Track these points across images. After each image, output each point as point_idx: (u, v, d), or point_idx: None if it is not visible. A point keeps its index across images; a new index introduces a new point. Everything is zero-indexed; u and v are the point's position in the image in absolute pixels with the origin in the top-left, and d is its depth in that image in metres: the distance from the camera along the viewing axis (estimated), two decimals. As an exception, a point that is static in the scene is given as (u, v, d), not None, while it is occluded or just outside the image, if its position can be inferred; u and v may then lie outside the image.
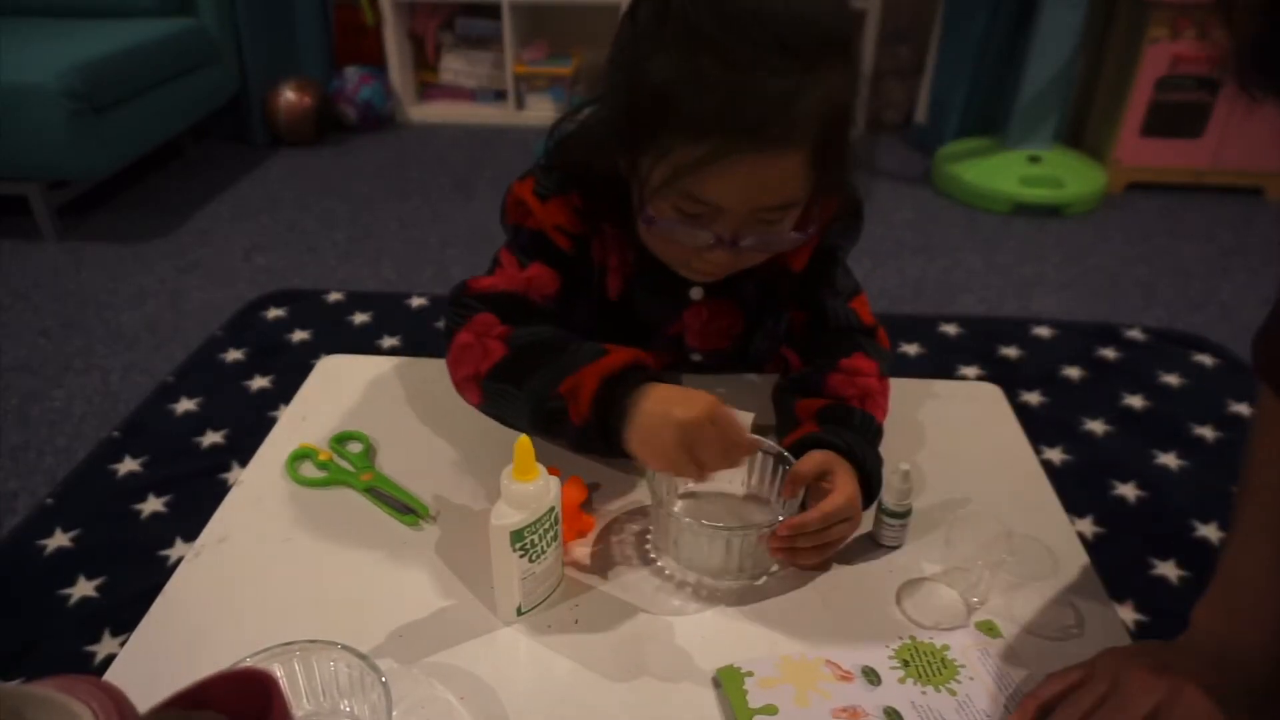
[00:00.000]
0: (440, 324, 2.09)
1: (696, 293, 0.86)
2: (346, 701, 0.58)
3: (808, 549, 0.69)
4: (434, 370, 0.94)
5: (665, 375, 0.71)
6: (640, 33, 0.69)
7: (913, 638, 0.65)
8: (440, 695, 0.60)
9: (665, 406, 0.65)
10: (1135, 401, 1.85)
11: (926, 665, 0.62)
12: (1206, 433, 1.76)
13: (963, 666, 0.62)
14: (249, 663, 0.54)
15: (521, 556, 0.62)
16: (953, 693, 0.60)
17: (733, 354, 0.93)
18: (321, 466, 0.81)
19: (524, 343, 0.74)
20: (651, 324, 0.88)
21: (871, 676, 0.61)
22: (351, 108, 3.32)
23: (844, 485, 0.70)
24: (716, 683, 0.61)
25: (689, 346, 0.91)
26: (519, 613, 0.66)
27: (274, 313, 2.13)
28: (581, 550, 0.72)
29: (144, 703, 0.39)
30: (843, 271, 0.89)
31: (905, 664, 0.62)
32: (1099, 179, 2.82)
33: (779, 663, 0.62)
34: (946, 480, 0.80)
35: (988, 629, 0.66)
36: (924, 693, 0.60)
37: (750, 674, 0.60)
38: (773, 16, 0.63)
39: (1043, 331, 2.11)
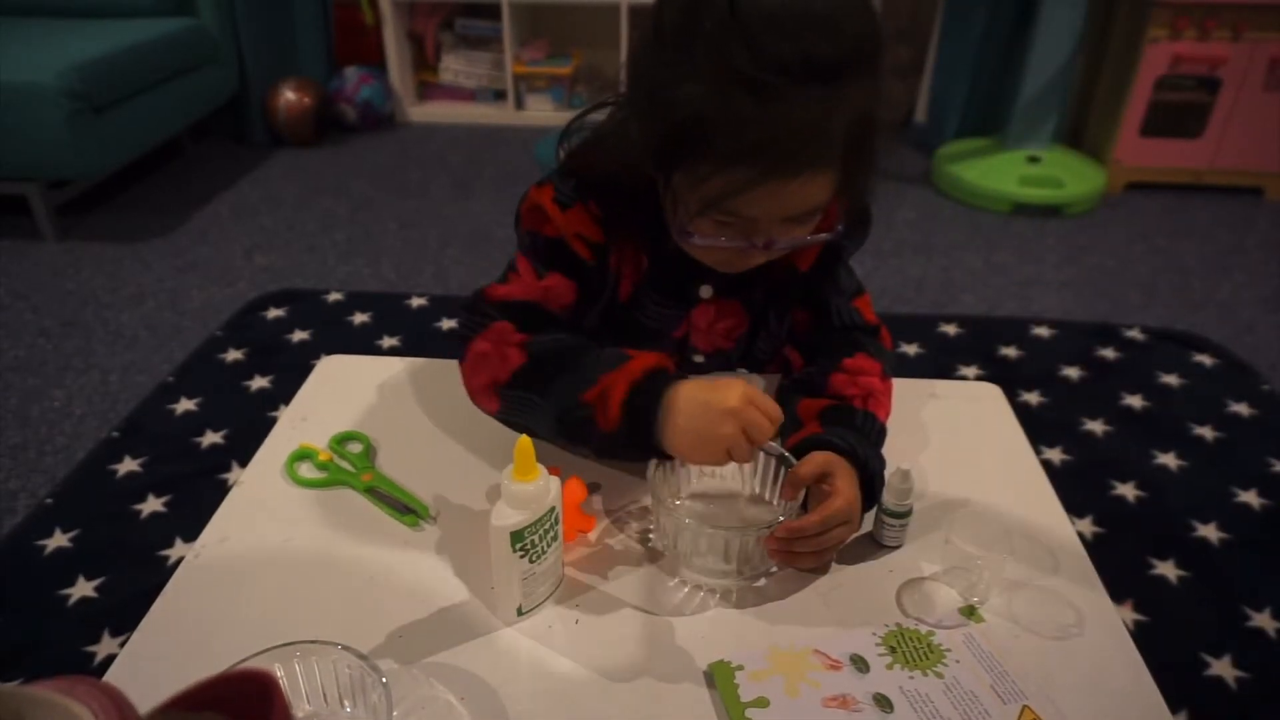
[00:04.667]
0: (440, 324, 2.10)
1: (705, 291, 0.86)
2: (347, 702, 0.57)
3: (806, 552, 0.69)
4: (434, 370, 0.95)
5: (686, 375, 0.72)
6: (667, 56, 0.67)
7: (899, 625, 0.65)
8: (440, 695, 0.60)
9: (705, 404, 0.67)
10: (1135, 401, 1.85)
11: (913, 651, 0.63)
12: (1206, 433, 1.76)
13: (948, 650, 0.63)
14: (249, 663, 0.54)
15: (522, 557, 0.62)
16: (940, 676, 0.61)
17: (735, 355, 0.93)
18: (321, 467, 0.81)
19: (544, 350, 0.74)
20: (657, 327, 0.88)
21: (860, 664, 0.62)
22: (351, 108, 3.32)
23: (844, 488, 0.70)
24: (710, 680, 0.61)
25: (693, 347, 0.91)
26: (519, 613, 0.66)
27: (274, 313, 2.13)
28: (581, 550, 0.72)
29: (144, 703, 0.39)
30: (845, 271, 0.89)
31: (892, 650, 0.63)
32: (1099, 179, 2.82)
33: (768, 654, 0.62)
34: (946, 480, 0.80)
35: (969, 613, 0.67)
36: (911, 677, 0.61)
37: (740, 667, 0.61)
38: (802, 39, 0.62)
39: (1042, 331, 2.11)
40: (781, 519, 0.69)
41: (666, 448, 0.69)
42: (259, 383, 1.87)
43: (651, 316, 0.87)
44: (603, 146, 0.79)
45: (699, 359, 0.92)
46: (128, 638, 0.64)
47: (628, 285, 0.85)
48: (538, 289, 0.80)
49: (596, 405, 0.69)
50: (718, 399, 0.66)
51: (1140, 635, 1.28)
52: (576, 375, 0.71)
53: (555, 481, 0.63)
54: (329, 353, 1.00)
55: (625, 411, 0.69)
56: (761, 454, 0.75)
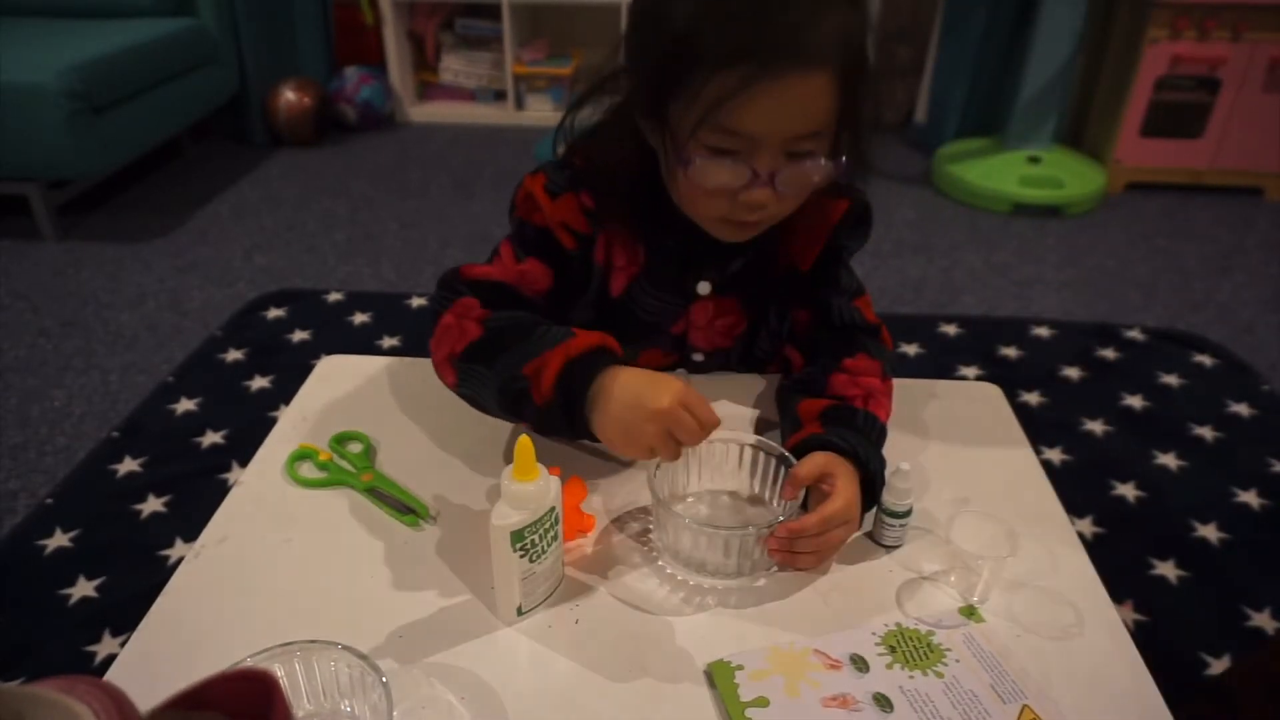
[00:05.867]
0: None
1: (704, 287, 0.86)
2: (347, 702, 0.57)
3: (806, 552, 0.69)
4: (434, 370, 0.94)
5: (629, 358, 0.72)
6: None
7: (899, 625, 0.65)
8: (440, 695, 0.60)
9: (637, 397, 0.67)
10: (1135, 401, 1.86)
11: (913, 650, 0.63)
12: (1206, 433, 1.76)
13: (948, 650, 0.63)
14: (249, 663, 0.54)
15: (522, 556, 0.62)
16: (939, 675, 0.61)
17: (735, 354, 0.93)
18: (321, 467, 0.81)
19: (499, 325, 0.75)
20: (655, 322, 0.88)
21: (860, 664, 0.62)
22: (351, 108, 3.32)
23: (843, 488, 0.70)
24: (710, 680, 0.61)
25: (692, 345, 0.91)
26: (519, 613, 0.66)
27: (274, 313, 2.13)
28: (581, 550, 0.72)
29: (144, 703, 0.39)
30: (846, 271, 0.89)
31: (892, 650, 0.63)
32: (1099, 179, 2.82)
33: (768, 654, 0.62)
34: (946, 480, 0.80)
35: (969, 613, 0.67)
36: (911, 677, 0.61)
37: (740, 667, 0.61)
38: None
39: (1042, 331, 2.11)
40: (781, 519, 0.69)
41: (595, 432, 0.69)
42: (259, 383, 1.87)
43: (648, 311, 0.87)
44: (601, 128, 0.79)
45: (698, 357, 0.92)
46: (128, 638, 0.64)
47: (622, 278, 0.85)
48: (513, 272, 0.81)
49: (532, 378, 0.70)
50: (650, 396, 0.66)
51: (1140, 635, 1.28)
52: (522, 348, 0.72)
53: (555, 481, 0.63)
54: (329, 353, 1.00)
55: (558, 386, 0.69)
56: (762, 454, 0.75)
